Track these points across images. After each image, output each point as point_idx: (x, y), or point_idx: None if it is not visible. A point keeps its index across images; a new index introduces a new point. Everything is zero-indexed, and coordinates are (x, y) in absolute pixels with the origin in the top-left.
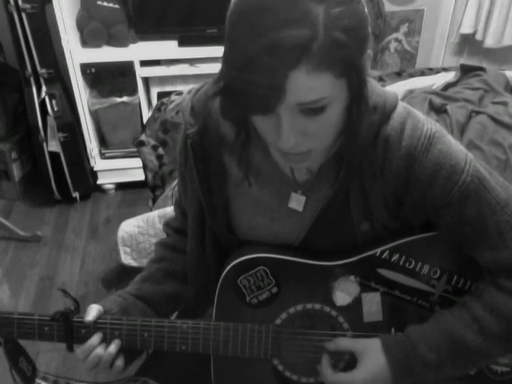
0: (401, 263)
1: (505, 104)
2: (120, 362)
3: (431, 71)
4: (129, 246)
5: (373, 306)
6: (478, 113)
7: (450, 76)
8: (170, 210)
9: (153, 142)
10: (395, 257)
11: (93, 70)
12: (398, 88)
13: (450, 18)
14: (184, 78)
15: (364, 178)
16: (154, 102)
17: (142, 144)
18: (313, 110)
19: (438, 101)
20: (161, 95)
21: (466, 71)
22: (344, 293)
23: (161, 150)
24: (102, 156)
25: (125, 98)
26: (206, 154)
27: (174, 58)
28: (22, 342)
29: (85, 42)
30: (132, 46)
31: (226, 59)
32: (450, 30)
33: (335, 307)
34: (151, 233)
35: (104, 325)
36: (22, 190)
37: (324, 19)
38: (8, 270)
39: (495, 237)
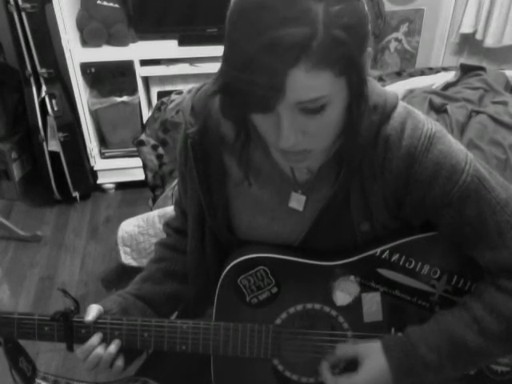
0: (401, 263)
1: (505, 104)
2: (120, 362)
3: (431, 71)
4: (129, 246)
5: (373, 305)
6: (477, 112)
7: (449, 76)
8: (169, 210)
9: (153, 142)
10: (395, 257)
11: (93, 70)
12: (398, 88)
13: (450, 18)
14: (184, 78)
15: (364, 177)
16: (154, 101)
17: (141, 144)
18: (313, 108)
19: (437, 100)
20: (161, 95)
21: (465, 71)
22: (344, 293)
23: (161, 150)
24: (102, 156)
25: (125, 98)
26: (206, 154)
27: (173, 58)
28: (22, 341)
29: (85, 42)
30: (132, 46)
31: (225, 58)
32: (449, 30)
33: (335, 307)
34: (151, 233)
35: (104, 325)
36: (22, 189)
37: (324, 17)
38: (8, 270)
39: (495, 237)
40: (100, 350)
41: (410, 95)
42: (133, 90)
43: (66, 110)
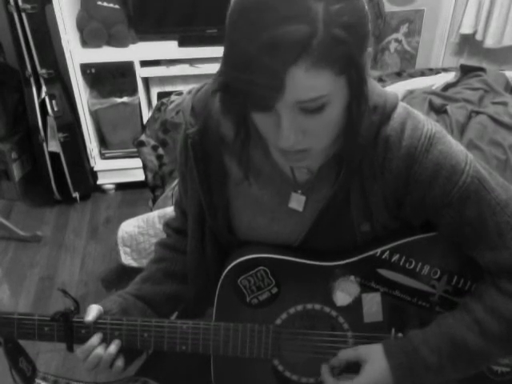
0: (401, 263)
1: (505, 104)
2: (120, 362)
3: (431, 71)
4: (129, 246)
5: (373, 306)
6: (477, 113)
7: (449, 76)
8: (170, 210)
9: (153, 142)
10: (395, 257)
11: (93, 70)
12: (398, 88)
13: (450, 18)
14: (184, 78)
15: (364, 178)
16: (154, 102)
17: (141, 144)
18: (312, 108)
19: (437, 101)
20: (161, 95)
21: (465, 71)
22: (344, 293)
23: (161, 150)
24: (102, 156)
25: (125, 98)
26: (207, 154)
27: (173, 58)
28: (21, 342)
29: (85, 42)
30: (132, 46)
31: (226, 56)
32: (450, 30)
33: (335, 307)
34: (151, 233)
35: (104, 325)
36: (22, 190)
37: (324, 16)
38: (8, 270)
39: (495, 237)
40: (100, 350)
41: (409, 96)
42: (133, 91)
43: (66, 111)
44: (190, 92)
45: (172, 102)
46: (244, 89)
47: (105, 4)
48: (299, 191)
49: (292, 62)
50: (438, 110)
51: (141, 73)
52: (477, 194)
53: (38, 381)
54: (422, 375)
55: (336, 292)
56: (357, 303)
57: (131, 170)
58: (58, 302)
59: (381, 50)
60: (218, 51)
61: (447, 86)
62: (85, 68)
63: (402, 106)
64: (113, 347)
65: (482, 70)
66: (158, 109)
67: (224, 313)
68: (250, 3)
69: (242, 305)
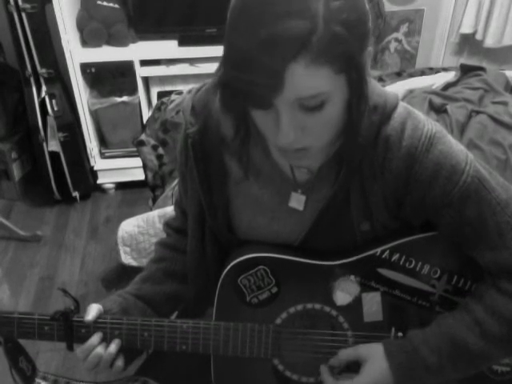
0: (401, 263)
1: (505, 104)
2: (120, 362)
3: (431, 71)
4: (129, 246)
5: (373, 305)
6: (477, 112)
7: (449, 76)
8: (169, 210)
9: (153, 142)
10: (395, 256)
11: (93, 70)
12: (398, 88)
13: (450, 18)
14: (184, 78)
15: (364, 177)
16: (154, 101)
17: (141, 144)
18: (312, 106)
19: (437, 101)
20: (161, 95)
21: (465, 71)
22: (344, 292)
23: (161, 150)
24: (102, 156)
25: (125, 98)
26: (207, 154)
27: (173, 58)
28: (21, 341)
29: (85, 42)
30: (132, 46)
31: (226, 53)
32: (449, 30)
33: (335, 307)
34: (151, 232)
35: (104, 324)
36: (22, 189)
37: (324, 12)
38: (8, 270)
39: (495, 237)
40: (100, 349)
41: (409, 95)
42: (133, 90)
43: (66, 110)
44: (190, 91)
45: (172, 101)
46: (243, 85)
47: (105, 3)
48: (299, 191)
49: (291, 58)
50: (438, 110)
51: (141, 72)
52: (477, 194)
53: (37, 380)
54: (422, 375)
55: (336, 291)
56: (357, 303)
57: (131, 169)
58: (58, 301)
59: (381, 50)
60: (217, 51)
61: (447, 86)
62: (85, 67)
63: (402, 106)
64: (113, 347)
65: (482, 69)
66: (158, 108)
67: (224, 312)
68: (251, 0)
69: (242, 304)
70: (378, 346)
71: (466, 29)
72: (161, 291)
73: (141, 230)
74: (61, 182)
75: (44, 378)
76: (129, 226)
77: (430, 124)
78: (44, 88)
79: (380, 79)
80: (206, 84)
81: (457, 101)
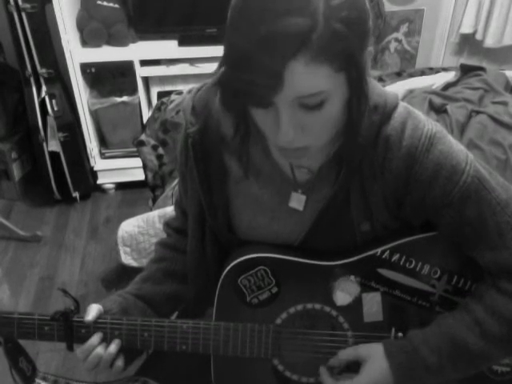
0: (401, 263)
1: (505, 104)
2: (120, 362)
3: (431, 71)
4: (129, 246)
5: (373, 305)
6: (477, 112)
7: (449, 76)
8: (170, 210)
9: (153, 142)
10: (395, 257)
11: (93, 70)
12: (398, 88)
13: (450, 18)
14: (184, 78)
15: (364, 177)
16: (154, 101)
17: (141, 144)
18: (312, 104)
19: (437, 101)
20: (161, 95)
21: (465, 71)
22: (344, 293)
23: (161, 150)
24: (102, 156)
25: (125, 98)
26: (207, 153)
27: (173, 58)
28: (21, 341)
29: (85, 42)
30: (132, 46)
31: (226, 51)
32: (449, 30)
33: (335, 307)
34: (151, 233)
35: (104, 324)
36: (22, 190)
37: (324, 10)
38: (8, 270)
39: (495, 237)
40: (100, 349)
41: (409, 95)
42: (133, 90)
43: (66, 110)
44: (190, 91)
45: (172, 101)
46: (243, 82)
47: (105, 3)
48: (299, 191)
49: (291, 55)
50: (438, 110)
51: (141, 72)
52: (477, 194)
53: (37, 380)
54: (422, 375)
55: (336, 292)
56: (357, 303)
57: (131, 169)
58: (58, 301)
59: (381, 50)
60: (218, 51)
61: (447, 86)
62: (85, 67)
63: (402, 106)
64: (113, 347)
65: (482, 69)
66: (158, 108)
67: (224, 312)
68: None
69: (242, 304)
70: (378, 346)
71: (466, 29)
72: (161, 291)
73: (141, 230)
74: (61, 182)
75: (44, 379)
76: (129, 226)
77: (430, 124)
78: (44, 88)
79: (380, 79)
80: (207, 84)
81: (457, 101)
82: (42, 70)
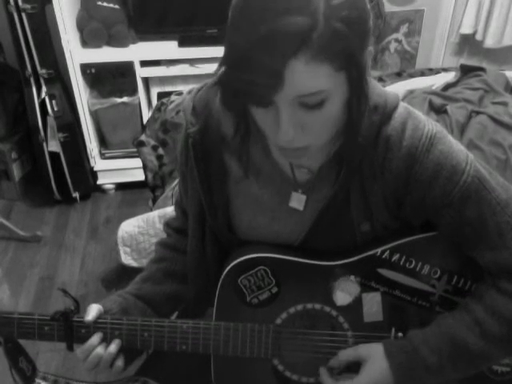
0: (401, 263)
1: (505, 104)
2: (120, 362)
3: (431, 71)
4: (129, 246)
5: (373, 305)
6: (477, 113)
7: (449, 76)
8: (170, 210)
9: (153, 142)
10: (395, 257)
11: (93, 70)
12: (398, 88)
13: (450, 18)
14: (184, 78)
15: (364, 178)
16: (154, 102)
17: (141, 144)
18: (312, 103)
19: (437, 101)
20: (161, 95)
21: (465, 71)
22: (344, 293)
23: (161, 150)
24: (102, 156)
25: (125, 99)
26: (207, 153)
27: (174, 58)
28: (21, 341)
29: (85, 42)
30: (132, 47)
31: (227, 50)
32: (450, 30)
33: (335, 307)
34: (151, 233)
35: (104, 324)
36: (22, 189)
37: (324, 9)
38: (8, 270)
39: (495, 237)
40: (100, 349)
41: (409, 96)
42: (133, 91)
43: (66, 111)
44: (190, 92)
45: (172, 102)
46: (244, 79)
47: (105, 4)
48: (299, 190)
49: (291, 54)
50: (438, 110)
51: (141, 73)
52: (477, 194)
53: (37, 380)
54: (422, 375)
55: (336, 292)
56: (357, 303)
57: (131, 169)
58: (58, 301)
59: (381, 50)
60: (218, 51)
61: (447, 86)
62: (85, 68)
63: (402, 106)
64: (113, 347)
65: (482, 69)
66: (158, 109)
67: (224, 312)
68: None
69: (242, 304)
70: (378, 346)
71: (466, 29)
72: (161, 291)
73: (141, 231)
74: (61, 182)
75: (44, 378)
76: (129, 227)
77: (430, 124)
78: (44, 88)
79: (380, 79)
80: (207, 84)
81: (457, 101)
82: (41, 71)
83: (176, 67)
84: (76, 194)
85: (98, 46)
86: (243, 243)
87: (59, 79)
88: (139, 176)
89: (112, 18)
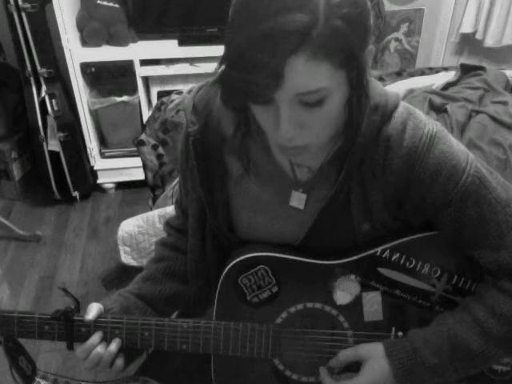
0: (401, 262)
1: (505, 103)
2: (120, 362)
3: (431, 71)
4: (129, 246)
5: (373, 305)
6: (478, 112)
7: (450, 75)
8: (170, 210)
9: (153, 142)
10: (396, 256)
11: (93, 70)
12: (398, 87)
13: (450, 18)
14: (184, 78)
15: (365, 177)
16: (154, 101)
17: (141, 143)
18: (312, 102)
19: (438, 100)
20: (161, 94)
21: (466, 71)
22: (344, 292)
23: (161, 150)
24: (102, 155)
25: (125, 98)
26: (208, 153)
27: (173, 58)
28: (22, 340)
29: (85, 42)
30: (132, 46)
31: (227, 47)
32: (450, 30)
33: (336, 306)
34: (151, 232)
35: (104, 324)
36: (22, 189)
37: (324, 6)
38: (8, 270)
39: (495, 237)
40: (100, 349)
41: (410, 95)
42: (133, 90)
43: (66, 110)
44: (190, 91)
45: (172, 101)
46: (244, 80)
47: (105, 3)
48: (300, 190)
49: (291, 52)
50: (438, 110)
51: (141, 72)
52: (477, 194)
53: (38, 380)
54: (422, 375)
55: (336, 291)
56: (357, 302)
57: (131, 169)
58: (58, 301)
59: (381, 50)
60: (218, 50)
61: (447, 86)
62: (85, 67)
63: (403, 106)
64: (113, 346)
65: (482, 69)
66: (158, 108)
67: (224, 312)
68: None
69: (242, 304)
70: (378, 346)
71: (466, 28)
72: (161, 291)
73: (141, 230)
74: (61, 181)
75: (44, 378)
76: (129, 226)
77: (430, 124)
78: (44, 88)
79: (380, 79)
80: (207, 83)
81: (457, 100)
82: (41, 70)
83: (176, 66)
84: (76, 194)
85: (98, 45)
86: (243, 242)
87: (59, 78)
88: (139, 175)
89: (112, 17)
